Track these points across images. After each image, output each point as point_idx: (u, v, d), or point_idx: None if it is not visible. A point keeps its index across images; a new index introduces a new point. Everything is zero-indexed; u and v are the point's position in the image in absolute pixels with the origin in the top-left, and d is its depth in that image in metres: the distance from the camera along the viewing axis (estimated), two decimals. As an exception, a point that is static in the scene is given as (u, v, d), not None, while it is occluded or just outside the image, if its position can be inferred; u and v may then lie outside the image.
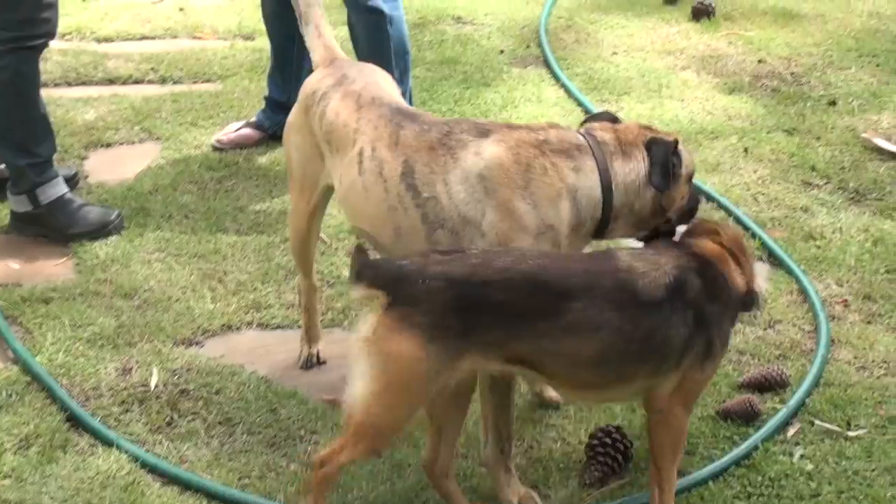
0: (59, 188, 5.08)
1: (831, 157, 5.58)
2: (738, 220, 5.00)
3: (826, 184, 5.35)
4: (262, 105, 5.88)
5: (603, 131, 3.64)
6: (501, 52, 6.78)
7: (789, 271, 4.67)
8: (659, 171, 3.56)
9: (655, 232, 3.60)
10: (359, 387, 3.27)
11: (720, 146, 5.69)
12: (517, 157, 3.53)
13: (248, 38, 6.95)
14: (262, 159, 5.65)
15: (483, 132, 3.60)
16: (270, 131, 5.78)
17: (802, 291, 4.54)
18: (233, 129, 5.82)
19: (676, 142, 3.61)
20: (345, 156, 3.77)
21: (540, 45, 6.80)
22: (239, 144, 5.76)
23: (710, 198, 5.17)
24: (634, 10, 7.33)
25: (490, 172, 3.52)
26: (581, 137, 3.61)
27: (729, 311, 3.42)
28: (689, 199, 3.71)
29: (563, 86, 6.26)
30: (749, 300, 3.46)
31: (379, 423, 3.30)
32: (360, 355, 3.27)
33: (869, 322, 4.38)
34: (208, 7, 7.44)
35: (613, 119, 3.78)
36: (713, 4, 7.17)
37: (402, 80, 5.52)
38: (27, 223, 5.10)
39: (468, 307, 3.21)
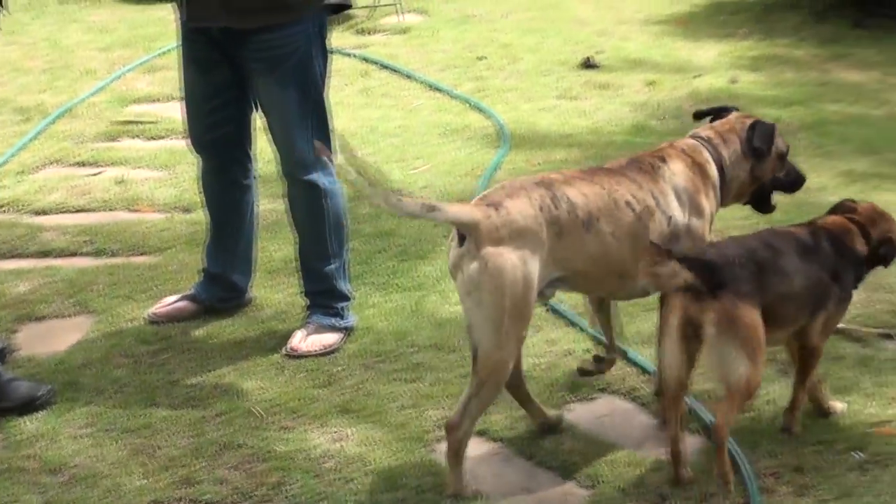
0: None
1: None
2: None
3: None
4: (199, 278, 5.89)
5: (704, 130, 4.85)
6: (436, 225, 6.83)
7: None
8: (751, 141, 4.76)
9: (753, 198, 4.92)
10: (741, 367, 4.23)
11: (653, 320, 5.74)
12: (692, 168, 4.68)
13: (187, 210, 6.98)
14: (198, 332, 5.64)
15: (661, 157, 4.69)
16: (207, 304, 5.78)
17: (734, 463, 4.54)
18: (168, 302, 5.82)
19: (773, 126, 4.83)
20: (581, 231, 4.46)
21: (476, 218, 6.86)
22: (174, 318, 5.74)
23: (644, 370, 5.20)
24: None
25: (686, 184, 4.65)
26: (693, 140, 4.78)
27: (851, 266, 4.63)
28: (790, 172, 4.92)
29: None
30: (879, 255, 4.71)
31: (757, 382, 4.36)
32: (727, 343, 4.21)
33: (800, 495, 4.37)
34: (147, 179, 7.49)
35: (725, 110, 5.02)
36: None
37: (338, 252, 5.58)
38: None
39: (758, 273, 4.33)
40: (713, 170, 4.73)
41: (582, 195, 4.44)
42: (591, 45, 10.60)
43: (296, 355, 5.40)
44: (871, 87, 9.52)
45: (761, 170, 4.83)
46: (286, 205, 5.68)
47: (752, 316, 4.26)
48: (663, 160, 4.67)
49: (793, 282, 4.46)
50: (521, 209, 4.32)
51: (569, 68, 9.95)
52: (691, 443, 4.66)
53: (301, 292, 5.73)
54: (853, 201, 4.87)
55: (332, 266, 5.59)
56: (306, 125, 5.40)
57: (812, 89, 9.42)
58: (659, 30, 11.35)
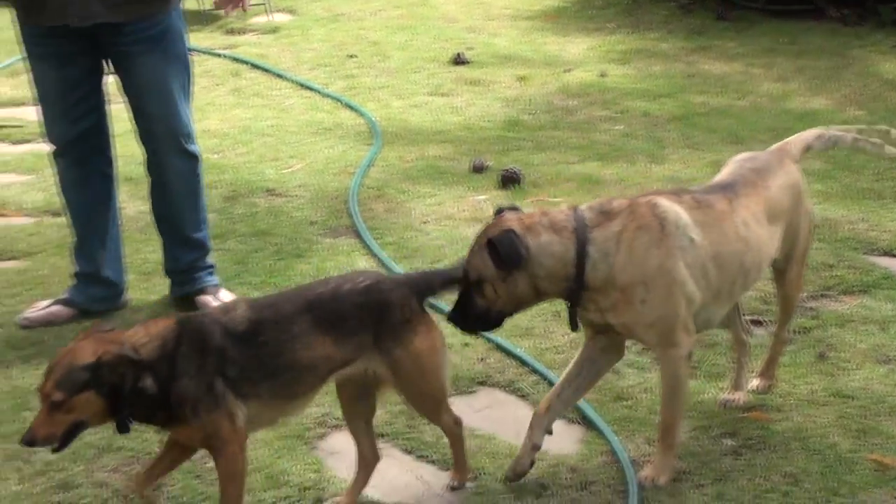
0: None
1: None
2: (550, 383, 5.07)
3: (634, 344, 5.47)
4: (72, 282, 5.80)
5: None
6: (313, 223, 6.82)
7: (601, 432, 4.74)
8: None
9: None
10: None
11: (533, 311, 5.78)
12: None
13: (56, 214, 6.86)
14: (72, 336, 5.54)
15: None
16: (82, 307, 5.71)
17: (613, 452, 4.60)
18: (41, 307, 5.73)
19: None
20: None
21: (350, 215, 6.87)
22: (48, 322, 5.66)
23: (523, 362, 5.25)
24: (443, 178, 7.47)
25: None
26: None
27: None
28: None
29: (376, 255, 6.32)
30: None
31: None
32: None
33: (677, 480, 4.44)
34: (13, 184, 7.36)
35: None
36: (520, 172, 7.35)
37: (206, 218, 5.83)
38: None
39: None
40: None
41: None
42: (461, 42, 10.66)
43: None
44: (735, 78, 9.71)
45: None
46: (154, 193, 5.75)
47: None
48: None
49: None
50: None
51: (439, 65, 9.99)
52: (572, 433, 4.73)
53: (178, 270, 5.83)
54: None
55: (205, 232, 5.86)
56: (187, 96, 5.61)
57: (679, 81, 9.58)
58: (528, 25, 11.45)
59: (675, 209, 4.35)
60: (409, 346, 4.14)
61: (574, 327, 4.43)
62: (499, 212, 4.44)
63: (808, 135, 4.95)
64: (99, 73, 5.59)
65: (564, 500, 4.36)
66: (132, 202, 7.00)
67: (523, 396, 5.07)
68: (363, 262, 6.27)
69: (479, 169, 7.59)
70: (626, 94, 9.12)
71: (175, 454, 4.14)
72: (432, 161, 7.77)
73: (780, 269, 4.82)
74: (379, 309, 4.13)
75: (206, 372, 3.91)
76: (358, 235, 6.61)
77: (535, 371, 5.22)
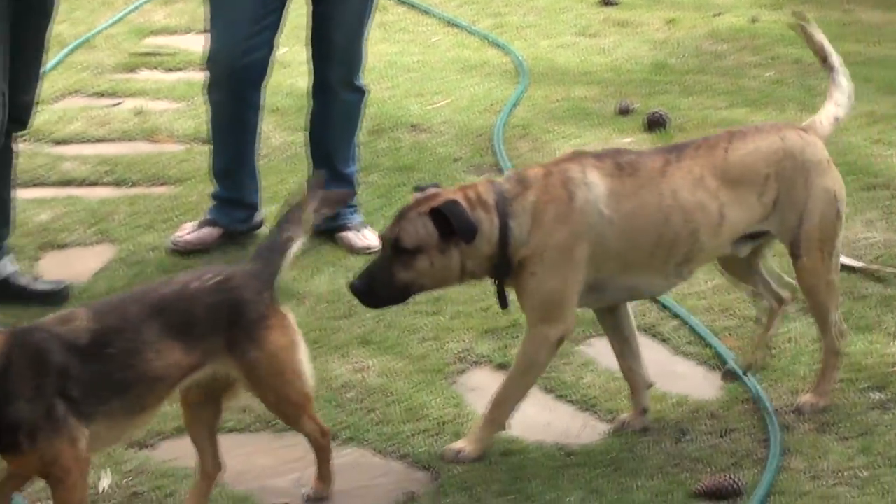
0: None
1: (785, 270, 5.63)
2: (693, 330, 5.04)
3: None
4: (212, 203, 5.91)
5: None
6: (456, 159, 6.83)
7: (742, 380, 4.70)
8: None
9: None
10: None
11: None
12: None
13: (206, 142, 6.95)
14: (220, 260, 5.63)
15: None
16: (227, 228, 5.83)
17: (755, 400, 4.56)
18: (189, 230, 5.83)
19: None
20: None
21: (495, 152, 6.87)
22: (197, 245, 5.76)
23: (664, 306, 5.21)
24: (589, 120, 7.42)
25: None
26: None
27: None
28: None
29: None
30: None
31: None
32: None
33: (821, 432, 4.40)
34: (166, 111, 7.47)
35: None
36: (666, 115, 7.27)
37: (353, 161, 5.88)
38: None
39: None
40: None
41: None
42: (610, -18, 10.53)
43: (368, 252, 5.52)
44: (894, 27, 9.46)
45: None
46: (314, 122, 5.82)
47: None
48: None
49: None
50: None
51: (587, 5, 9.88)
52: (713, 379, 4.71)
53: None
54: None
55: (354, 168, 5.92)
56: (367, 31, 5.71)
57: (835, 29, 9.34)
58: (678, -32, 11.28)
59: (587, 180, 4.17)
60: (265, 345, 3.75)
61: (504, 304, 4.29)
62: (418, 189, 4.31)
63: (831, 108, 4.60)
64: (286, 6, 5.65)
65: (703, 447, 4.35)
66: (278, 132, 7.08)
67: (664, 341, 5.05)
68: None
69: (624, 111, 7.53)
70: (778, 40, 8.94)
71: (11, 485, 3.69)
72: (578, 102, 7.72)
73: (794, 255, 4.44)
74: (231, 307, 3.74)
75: (45, 394, 3.45)
76: (501, 173, 6.60)
77: (676, 316, 5.18)
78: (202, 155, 6.78)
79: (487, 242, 4.11)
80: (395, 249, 4.12)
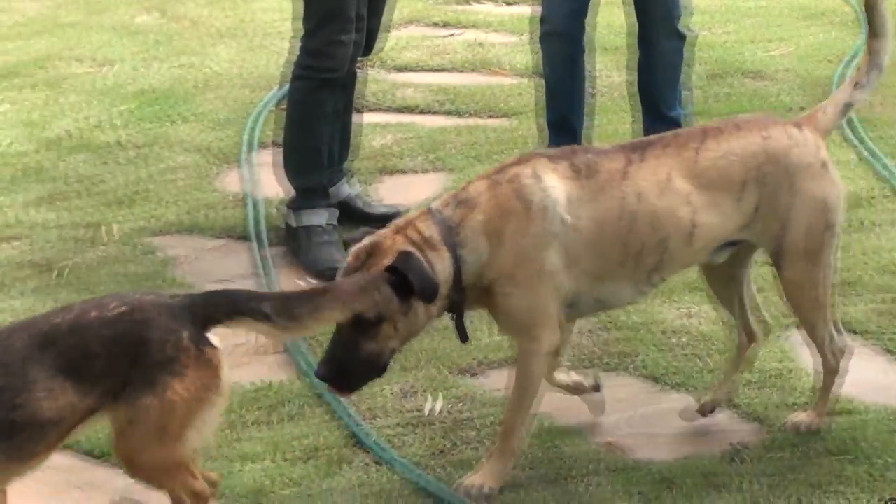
0: (315, 219, 5.24)
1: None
2: None
3: None
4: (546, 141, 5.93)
5: None
6: (791, 109, 6.62)
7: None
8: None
9: None
10: None
11: None
12: None
13: (539, 76, 7.00)
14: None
15: None
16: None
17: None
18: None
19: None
20: None
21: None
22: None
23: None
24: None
25: None
26: None
27: None
28: None
29: (868, 148, 6.08)
30: None
31: None
32: None
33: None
34: (504, 44, 7.54)
35: None
36: None
37: (678, 103, 5.87)
38: (285, 237, 5.35)
39: None
40: None
41: None
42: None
43: None
44: None
45: None
46: (640, 67, 5.87)
47: None
48: None
49: None
50: None
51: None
52: None
53: None
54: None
55: (679, 111, 5.88)
56: None
57: None
58: None
59: (542, 185, 3.70)
60: (163, 392, 3.14)
61: (464, 338, 3.87)
62: (354, 239, 3.82)
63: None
64: None
65: None
66: (611, 72, 7.05)
67: None
68: (847, 155, 6.01)
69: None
70: None
71: None
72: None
73: (777, 267, 3.95)
74: (132, 344, 3.15)
75: None
76: (846, 126, 6.37)
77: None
78: (536, 90, 6.83)
79: (445, 284, 3.66)
80: (354, 323, 3.60)
